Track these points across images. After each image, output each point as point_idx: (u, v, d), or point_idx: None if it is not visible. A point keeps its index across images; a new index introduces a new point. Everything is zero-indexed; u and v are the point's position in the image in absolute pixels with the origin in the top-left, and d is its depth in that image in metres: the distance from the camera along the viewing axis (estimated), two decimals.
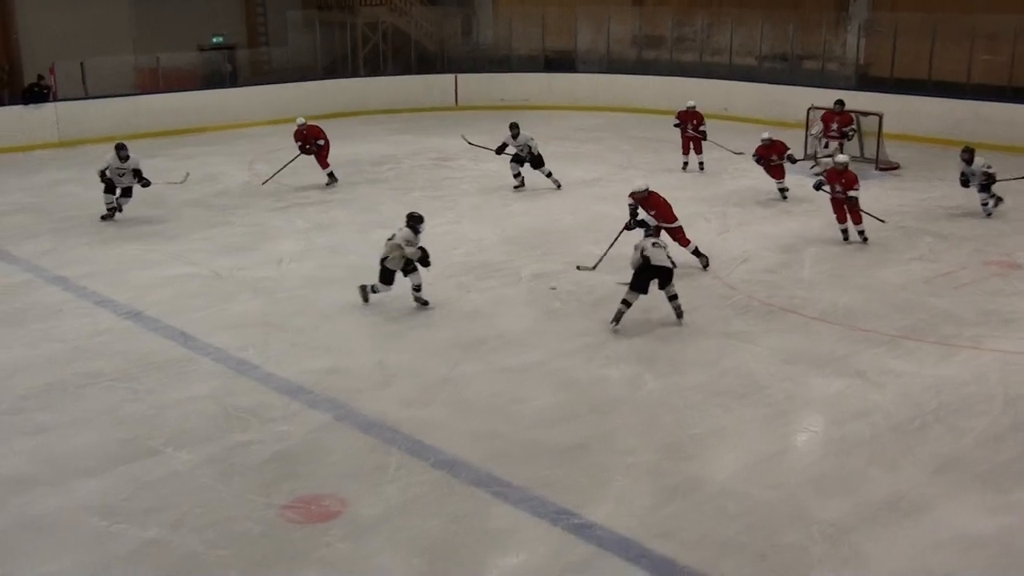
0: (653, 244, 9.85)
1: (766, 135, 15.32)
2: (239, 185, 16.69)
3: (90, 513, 6.71)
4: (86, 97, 20.68)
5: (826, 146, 16.55)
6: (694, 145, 17.20)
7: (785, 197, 15.13)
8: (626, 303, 9.83)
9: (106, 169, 14.02)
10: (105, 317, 10.38)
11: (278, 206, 15.16)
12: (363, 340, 9.83)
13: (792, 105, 20.02)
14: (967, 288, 11.08)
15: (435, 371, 9.04)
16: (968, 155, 14.03)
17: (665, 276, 9.80)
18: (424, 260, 10.40)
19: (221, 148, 19.87)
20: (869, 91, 20.02)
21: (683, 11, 24.56)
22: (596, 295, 11.00)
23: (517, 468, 7.28)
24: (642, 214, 11.35)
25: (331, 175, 16.66)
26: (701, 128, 17.07)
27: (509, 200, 15.52)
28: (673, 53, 24.63)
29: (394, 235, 10.42)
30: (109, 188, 14.15)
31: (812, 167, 16.90)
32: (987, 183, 14.07)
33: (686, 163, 17.35)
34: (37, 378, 8.84)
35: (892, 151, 17.66)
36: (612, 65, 25.05)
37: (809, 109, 18.31)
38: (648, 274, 9.75)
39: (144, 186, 14.15)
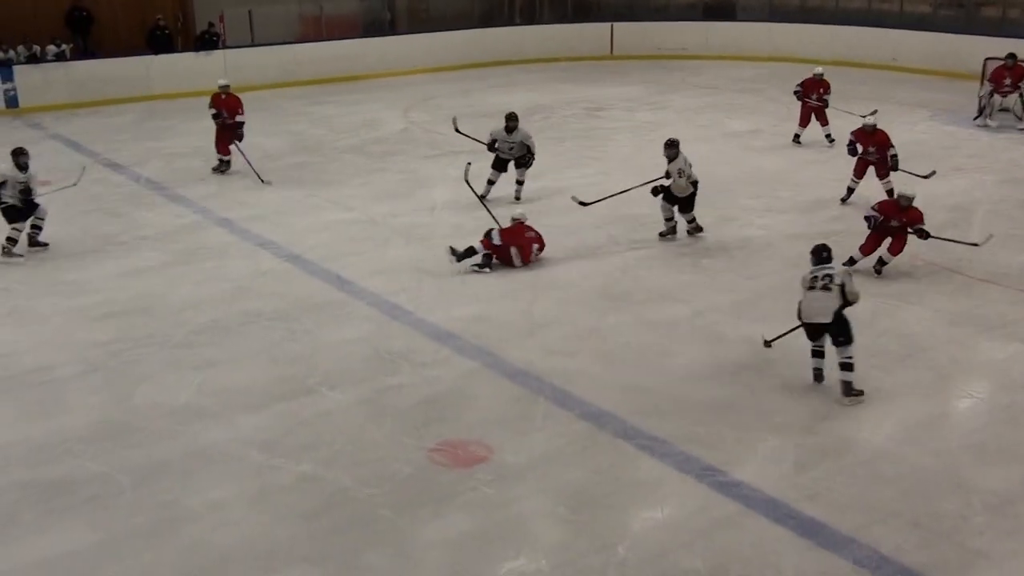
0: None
1: (871, 120, 12.33)
2: (395, 132, 16.99)
3: (251, 446, 7.03)
4: (253, 44, 21.39)
5: (1000, 105, 15.77)
6: (817, 116, 15.26)
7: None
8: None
9: (2, 185, 10.76)
10: (266, 259, 10.79)
11: (431, 154, 15.37)
12: (511, 288, 9.90)
13: (967, 55, 18.91)
14: None
15: (582, 322, 9.05)
16: None
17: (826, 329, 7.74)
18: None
19: (379, 95, 20.27)
20: None
21: None
22: (747, 249, 10.77)
23: (663, 422, 7.23)
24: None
25: (223, 162, 14.22)
26: (825, 97, 15.20)
27: (660, 152, 15.24)
28: (839, 0, 23.60)
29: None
30: (9, 213, 10.84)
31: (976, 119, 16.11)
32: None
33: (798, 136, 15.41)
34: (204, 314, 9.28)
35: None
36: (774, 13, 24.22)
37: (986, 60, 17.29)
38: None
39: (25, 203, 10.87)
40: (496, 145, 12.50)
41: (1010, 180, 13.21)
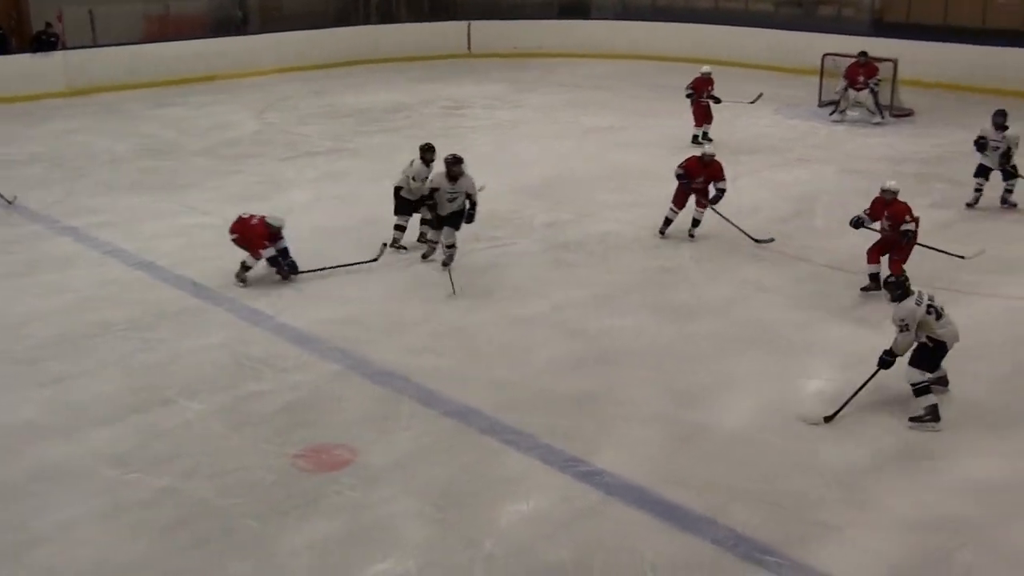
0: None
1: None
2: (250, 134, 16.63)
3: (103, 462, 6.77)
4: (94, 45, 20.57)
5: (854, 101, 16.71)
6: (706, 115, 15.41)
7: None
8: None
9: None
10: (116, 267, 10.41)
11: (289, 155, 15.12)
12: (374, 290, 9.82)
13: (808, 52, 19.76)
14: (979, 235, 10.98)
15: (446, 321, 9.06)
16: (1001, 118, 11.95)
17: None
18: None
19: (231, 96, 19.80)
20: (884, 37, 19.73)
21: None
22: (606, 244, 10.98)
23: (527, 417, 7.30)
24: None
25: None
26: (714, 94, 15.27)
27: (520, 149, 15.42)
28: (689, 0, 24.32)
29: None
30: None
31: (831, 115, 16.84)
32: (1009, 167, 12.01)
33: (697, 136, 15.42)
34: (50, 328, 8.88)
35: (906, 97, 17.48)
36: (627, 12, 24.74)
37: (824, 56, 18.11)
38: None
39: None
40: (434, 196, 10.09)
41: (849, 170, 13.84)
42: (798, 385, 8.00)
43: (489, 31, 24.52)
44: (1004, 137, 11.87)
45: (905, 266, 9.19)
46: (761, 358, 8.26)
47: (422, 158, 10.71)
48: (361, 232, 10.90)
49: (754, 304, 9.35)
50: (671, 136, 15.62)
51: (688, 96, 15.42)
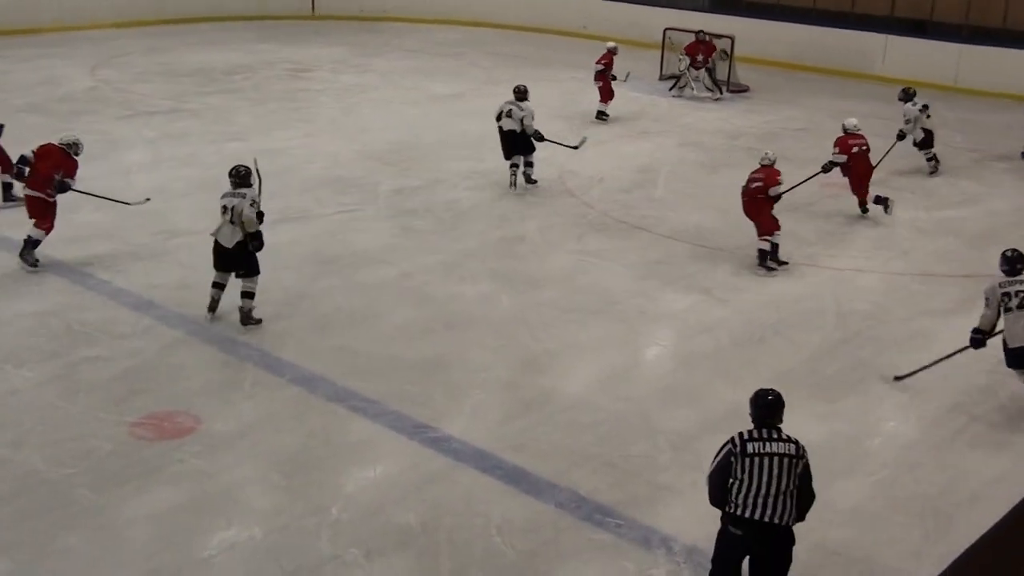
0: None
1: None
2: (82, 91, 15.85)
3: None
4: None
5: (694, 77, 17.31)
6: (611, 92, 15.42)
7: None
8: None
9: None
10: None
11: (124, 114, 14.52)
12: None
13: (648, 27, 20.24)
14: (806, 209, 11.56)
15: (291, 286, 8.94)
16: (904, 95, 12.73)
17: None
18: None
19: (60, 51, 18.77)
20: (722, 14, 20.40)
21: None
22: (454, 211, 11.04)
23: (374, 383, 7.32)
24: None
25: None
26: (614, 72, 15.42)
27: (367, 115, 15.27)
28: None
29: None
30: None
31: (671, 90, 17.38)
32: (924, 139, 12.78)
33: (603, 112, 15.50)
34: None
35: (743, 74, 18.15)
36: None
37: (665, 31, 18.62)
38: None
39: None
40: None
41: (688, 143, 14.32)
42: (636, 351, 8.29)
43: None
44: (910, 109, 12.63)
45: (743, 246, 9.56)
46: (603, 325, 8.50)
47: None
48: (202, 195, 10.57)
49: (596, 273, 9.60)
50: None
51: (600, 71, 15.33)
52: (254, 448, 6.51)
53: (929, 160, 13.06)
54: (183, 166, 12.18)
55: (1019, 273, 7.19)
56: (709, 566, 5.01)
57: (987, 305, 7.27)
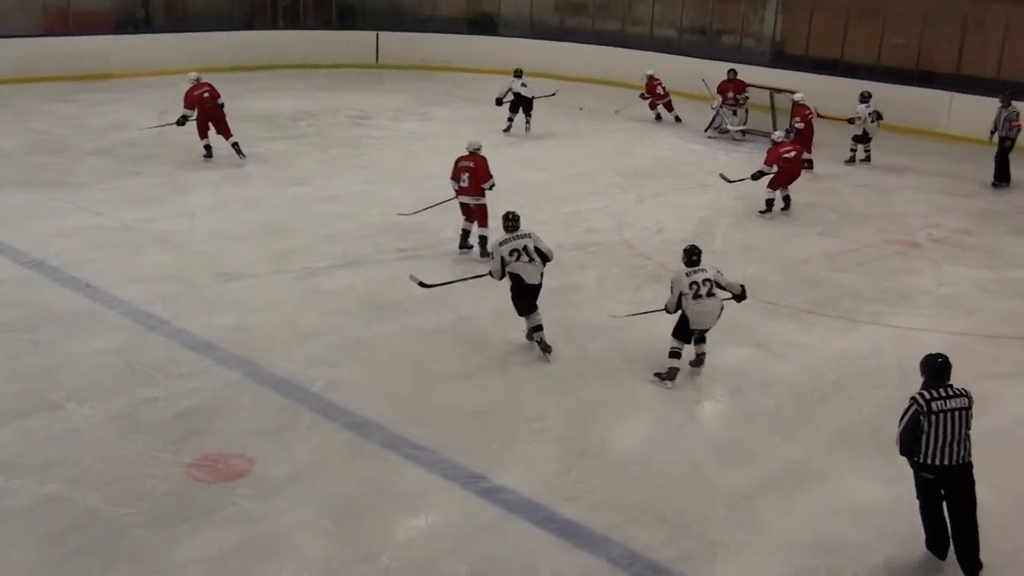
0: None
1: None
2: (150, 135, 16.23)
3: None
4: None
5: (728, 115, 17.95)
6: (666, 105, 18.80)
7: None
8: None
9: None
10: (4, 266, 10.04)
11: (189, 158, 14.80)
12: (274, 297, 9.69)
13: (711, 79, 20.25)
14: (868, 265, 11.40)
15: (347, 331, 8.99)
16: (861, 97, 15.82)
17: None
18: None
19: (130, 95, 19.28)
20: (783, 69, 20.34)
21: None
22: None
23: (428, 431, 7.30)
24: None
25: (237, 147, 14.53)
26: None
27: (427, 162, 15.40)
28: (595, 21, 24.67)
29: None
30: None
31: (707, 131, 17.69)
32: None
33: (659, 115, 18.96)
34: None
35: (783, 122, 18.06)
36: (534, 31, 24.95)
37: (703, 79, 19.23)
38: None
39: None
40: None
41: (746, 195, 14.18)
42: (693, 406, 8.18)
43: (397, 42, 24.41)
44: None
45: (803, 302, 9.44)
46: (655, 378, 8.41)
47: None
48: (263, 238, 10.74)
49: (653, 324, 9.48)
50: (572, 158, 15.85)
51: (643, 97, 18.63)
52: (307, 493, 6.51)
53: (854, 151, 16.04)
54: (245, 210, 12.37)
55: (696, 264, 8.19)
56: None
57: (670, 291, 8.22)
